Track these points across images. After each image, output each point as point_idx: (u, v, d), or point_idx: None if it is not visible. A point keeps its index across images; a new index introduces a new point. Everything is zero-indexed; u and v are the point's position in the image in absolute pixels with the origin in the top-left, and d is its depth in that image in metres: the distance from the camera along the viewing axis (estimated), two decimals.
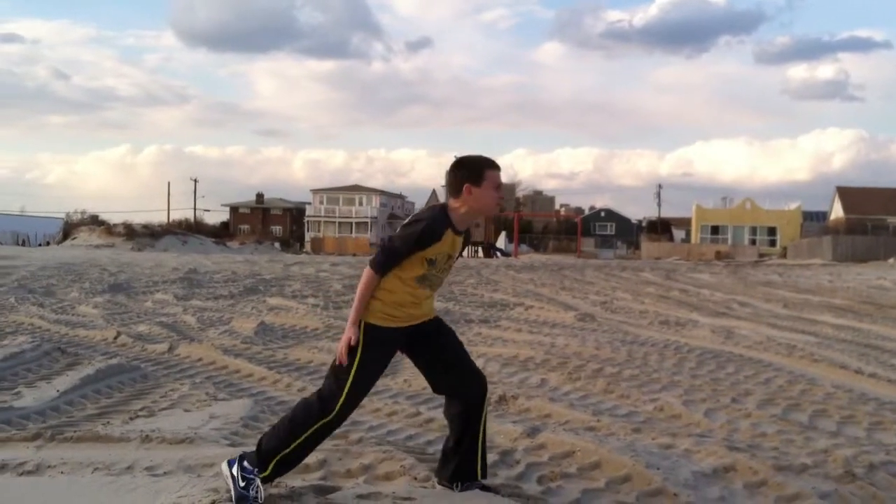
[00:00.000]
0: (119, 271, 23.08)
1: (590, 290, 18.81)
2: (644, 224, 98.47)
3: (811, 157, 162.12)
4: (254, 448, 3.82)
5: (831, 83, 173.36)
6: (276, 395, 6.57)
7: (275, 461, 3.72)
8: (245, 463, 3.75)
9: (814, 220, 74.82)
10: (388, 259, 3.77)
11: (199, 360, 8.11)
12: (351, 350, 3.71)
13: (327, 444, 4.78)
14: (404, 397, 6.53)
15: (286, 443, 3.72)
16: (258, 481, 3.70)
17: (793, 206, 74.63)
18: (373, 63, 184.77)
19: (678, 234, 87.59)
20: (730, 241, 70.06)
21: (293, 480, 4.05)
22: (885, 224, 61.83)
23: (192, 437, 4.93)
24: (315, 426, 3.70)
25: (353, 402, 3.75)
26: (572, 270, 29.26)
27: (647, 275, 26.76)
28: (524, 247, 69.68)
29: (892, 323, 12.57)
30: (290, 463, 3.77)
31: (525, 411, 6.00)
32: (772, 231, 72.03)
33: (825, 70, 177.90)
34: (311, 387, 6.75)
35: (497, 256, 54.98)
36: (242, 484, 3.70)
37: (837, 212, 68.84)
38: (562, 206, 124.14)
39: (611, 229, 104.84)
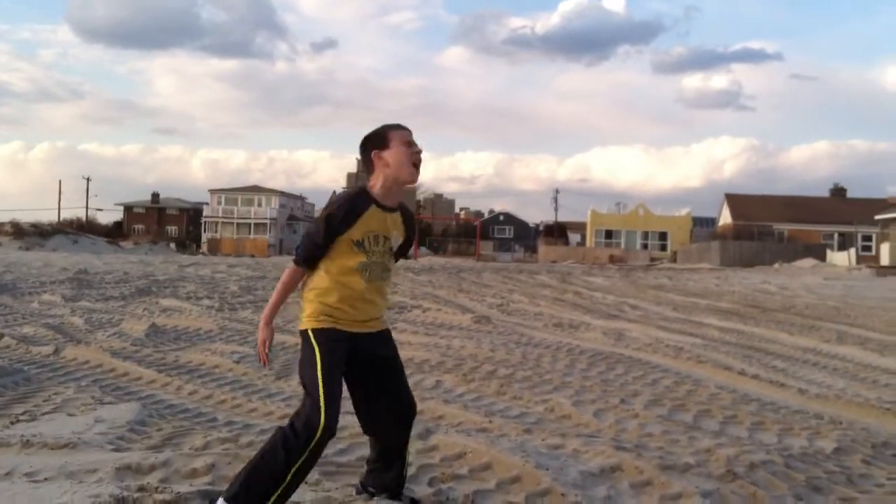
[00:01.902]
0: (5, 271, 22.23)
1: (487, 293, 18.99)
2: (541, 228, 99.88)
3: (703, 164, 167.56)
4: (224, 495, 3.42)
5: (724, 93, 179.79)
6: (165, 399, 6.43)
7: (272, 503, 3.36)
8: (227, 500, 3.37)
9: (703, 226, 77.31)
10: (305, 247, 3.57)
11: (86, 362, 7.87)
12: (309, 360, 3.48)
13: (217, 448, 4.72)
14: (298, 400, 6.43)
15: (281, 476, 3.34)
16: None
17: (683, 212, 76.84)
18: (276, 63, 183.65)
19: (574, 237, 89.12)
20: (623, 246, 71.71)
21: (180, 486, 3.98)
22: (771, 230, 64.22)
23: (76, 441, 4.79)
24: (309, 447, 3.34)
25: (335, 408, 3.39)
26: (470, 273, 29.47)
27: (543, 278, 27.15)
28: (423, 249, 69.91)
29: (775, 326, 13.05)
30: (285, 498, 3.40)
31: (419, 413, 5.99)
32: (663, 236, 74.02)
33: (719, 80, 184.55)
34: (203, 389, 6.66)
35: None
36: None
37: (726, 218, 71.10)
38: (462, 209, 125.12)
39: (509, 233, 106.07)
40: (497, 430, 5.45)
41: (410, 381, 7.29)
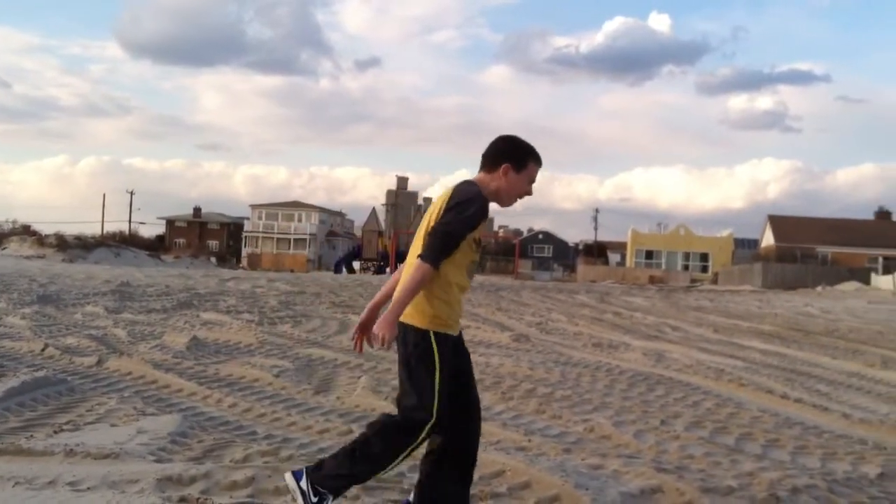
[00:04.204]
0: (49, 282, 22.57)
1: (525, 312, 18.94)
2: (581, 247, 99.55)
3: (746, 185, 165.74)
4: (314, 467, 3.64)
5: (770, 114, 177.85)
6: (206, 411, 6.48)
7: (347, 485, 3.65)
8: (312, 481, 3.56)
9: (745, 248, 76.54)
10: (446, 246, 3.48)
11: (129, 374, 7.96)
12: (428, 362, 3.49)
13: (257, 461, 4.75)
14: (336, 415, 6.49)
15: (380, 465, 3.57)
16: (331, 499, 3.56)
17: (725, 233, 76.17)
18: (320, 80, 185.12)
19: (613, 257, 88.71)
20: (663, 266, 71.19)
21: (221, 497, 4.01)
22: (815, 253, 63.38)
23: (118, 452, 4.84)
24: (410, 446, 3.53)
25: (444, 408, 3.51)
26: (509, 291, 29.41)
27: (582, 297, 27.03)
28: None
29: (818, 349, 12.88)
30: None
31: None
32: (704, 257, 73.42)
33: (764, 101, 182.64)
34: (243, 402, 6.69)
35: None
36: (315, 499, 3.53)
37: (768, 240, 70.38)
38: (501, 227, 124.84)
39: (548, 252, 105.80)
40: (536, 449, 5.43)
41: None
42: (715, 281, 63.12)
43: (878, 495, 4.77)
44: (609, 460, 5.12)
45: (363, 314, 3.88)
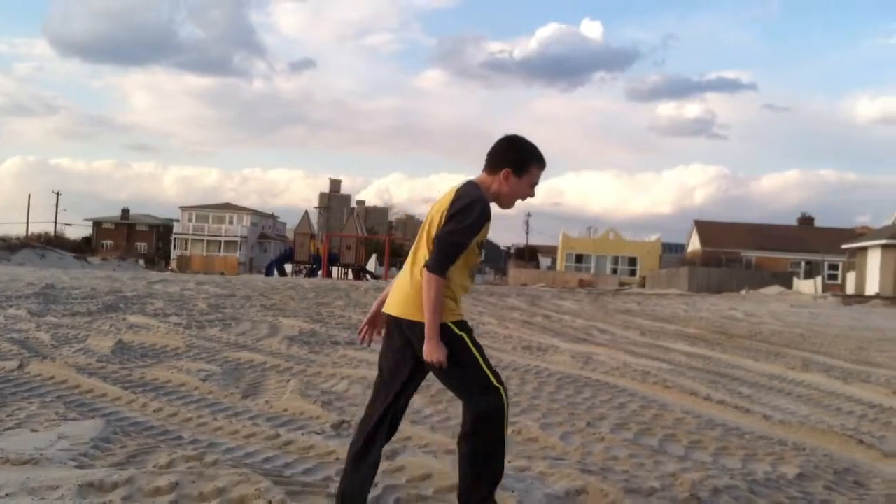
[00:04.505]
0: None
1: None
2: (512, 251, 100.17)
3: (675, 191, 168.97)
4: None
5: (698, 121, 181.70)
6: (130, 416, 6.36)
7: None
8: None
9: (673, 252, 77.90)
10: (451, 255, 3.58)
11: (51, 378, 7.78)
12: (462, 349, 3.62)
13: (181, 466, 4.69)
14: (264, 419, 6.44)
15: (499, 457, 3.80)
16: None
17: (653, 237, 77.48)
18: (254, 82, 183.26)
19: (544, 261, 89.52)
20: (593, 270, 72.15)
21: None
22: (739, 257, 64.81)
23: (38, 457, 4.73)
24: (504, 424, 3.74)
25: (500, 378, 3.72)
26: None
27: (512, 300, 27.20)
28: (394, 270, 69.72)
29: (742, 352, 13.17)
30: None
31: None
32: (633, 261, 74.59)
33: (693, 108, 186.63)
34: (169, 407, 6.60)
35: (367, 279, 54.88)
36: None
37: (695, 244, 71.74)
38: None
39: (480, 255, 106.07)
40: None
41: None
42: (643, 285, 64.14)
43: (797, 495, 4.90)
44: (535, 462, 5.16)
45: (373, 308, 4.02)
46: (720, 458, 5.84)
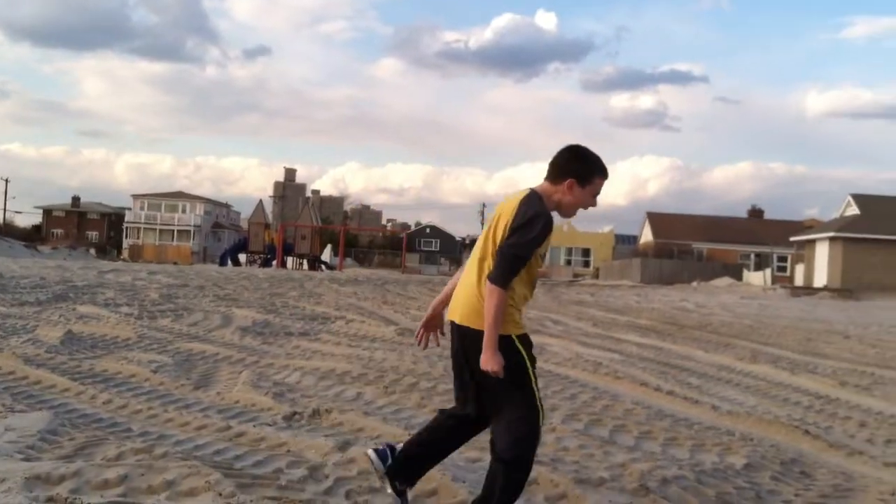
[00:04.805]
0: None
1: (411, 305, 19.02)
2: (468, 241, 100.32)
3: (628, 182, 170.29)
4: None
5: (651, 113, 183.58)
6: (79, 408, 6.28)
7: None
8: None
9: (626, 244, 78.52)
10: (514, 268, 3.60)
11: None
12: (518, 364, 3.66)
13: (130, 458, 4.65)
14: (215, 410, 6.39)
15: (525, 476, 3.83)
16: None
17: (606, 229, 78.11)
18: (207, 68, 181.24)
19: None
20: (547, 261, 72.34)
21: (91, 497, 3.91)
22: (690, 249, 65.58)
23: None
24: (537, 442, 3.82)
25: (541, 398, 3.79)
26: (395, 285, 29.47)
27: None
28: (349, 261, 69.57)
29: (692, 343, 13.35)
30: None
31: (338, 425, 6.01)
32: (586, 252, 75.12)
33: (646, 100, 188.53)
34: (118, 399, 6.52)
35: (322, 269, 54.61)
36: None
37: (647, 236, 72.41)
38: (389, 221, 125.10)
39: (436, 245, 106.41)
40: None
41: (329, 393, 7.35)
42: (596, 276, 64.60)
43: (744, 485, 4.99)
44: (487, 453, 5.14)
45: (428, 311, 4.19)
46: (669, 449, 5.92)
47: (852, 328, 18.75)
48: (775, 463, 5.58)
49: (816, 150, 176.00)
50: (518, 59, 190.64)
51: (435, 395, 7.34)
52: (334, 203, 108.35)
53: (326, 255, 66.86)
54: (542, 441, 5.71)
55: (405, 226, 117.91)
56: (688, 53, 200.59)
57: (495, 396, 3.73)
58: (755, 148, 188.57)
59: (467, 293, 3.78)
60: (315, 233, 58.30)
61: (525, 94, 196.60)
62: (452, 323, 3.84)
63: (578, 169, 3.78)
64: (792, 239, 54.65)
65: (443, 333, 4.19)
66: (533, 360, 3.77)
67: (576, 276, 65.04)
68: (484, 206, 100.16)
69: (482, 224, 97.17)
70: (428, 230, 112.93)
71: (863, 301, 36.64)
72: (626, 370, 9.66)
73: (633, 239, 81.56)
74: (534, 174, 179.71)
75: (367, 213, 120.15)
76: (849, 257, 45.57)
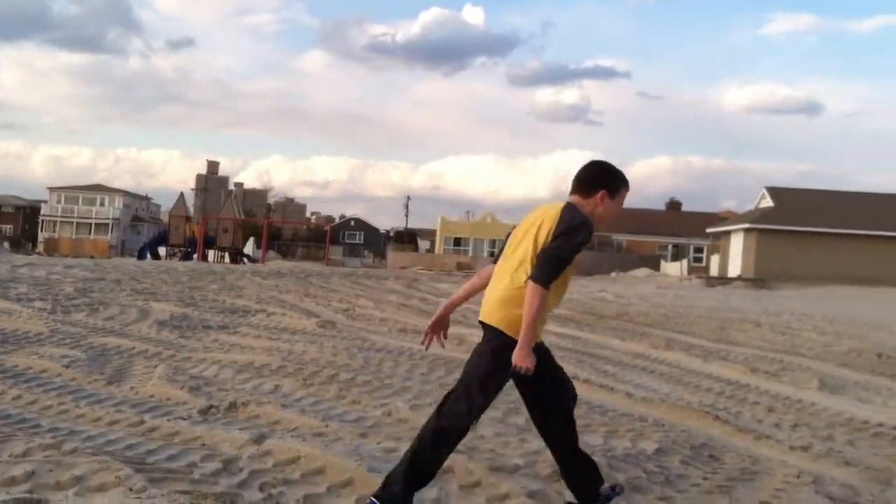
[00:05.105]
0: None
1: (333, 298, 18.93)
2: (391, 234, 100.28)
3: (552, 175, 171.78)
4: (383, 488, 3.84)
5: (574, 107, 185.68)
6: None
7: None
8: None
9: None
10: (557, 270, 3.72)
11: None
12: (504, 371, 3.79)
13: (38, 455, 4.56)
14: (129, 405, 6.28)
15: (435, 462, 3.89)
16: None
17: None
18: (130, 59, 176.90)
19: (423, 244, 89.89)
20: (471, 253, 72.80)
21: None
22: (610, 241, 66.57)
23: None
24: (460, 436, 3.91)
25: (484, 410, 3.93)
26: (318, 278, 29.27)
27: (390, 284, 27.28)
28: (272, 253, 68.84)
29: (609, 332, 13.58)
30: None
31: (255, 418, 5.97)
32: None
33: (570, 95, 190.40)
34: (28, 394, 6.37)
35: (244, 262, 53.93)
36: None
37: None
38: (313, 213, 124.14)
39: (359, 238, 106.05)
40: (333, 435, 5.47)
41: (247, 386, 7.28)
42: None
43: (654, 470, 5.11)
44: (404, 443, 5.20)
45: (438, 311, 4.33)
46: (583, 435, 5.95)
47: (764, 317, 19.31)
48: (686, 448, 5.72)
49: (735, 144, 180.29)
50: (445, 53, 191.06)
51: (354, 387, 7.35)
52: (258, 196, 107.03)
53: (249, 248, 66.08)
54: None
55: (329, 219, 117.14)
56: (612, 49, 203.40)
57: (467, 374, 3.89)
58: (675, 142, 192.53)
59: (502, 301, 3.87)
60: (237, 226, 57.54)
61: (452, 88, 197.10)
62: (483, 324, 3.95)
63: (608, 181, 4.00)
64: (708, 230, 55.90)
65: (446, 336, 4.40)
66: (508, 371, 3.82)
67: None
68: (409, 198, 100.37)
69: (406, 216, 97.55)
70: (352, 223, 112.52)
71: (775, 290, 37.74)
72: None
73: None
74: (459, 168, 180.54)
75: (291, 206, 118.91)
76: (762, 248, 46.78)
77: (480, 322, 3.95)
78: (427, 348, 4.42)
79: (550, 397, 4.11)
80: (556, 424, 4.17)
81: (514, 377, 3.84)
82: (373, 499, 3.81)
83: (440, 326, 4.33)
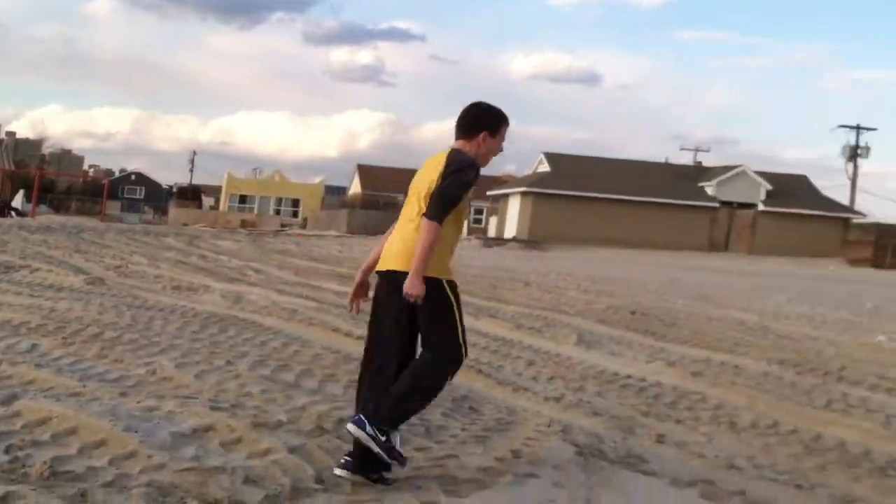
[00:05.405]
0: None
1: (106, 254, 18.12)
2: (175, 190, 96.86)
3: (342, 135, 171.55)
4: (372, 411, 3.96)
5: (368, 68, 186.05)
6: None
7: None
8: (375, 424, 3.89)
9: (336, 195, 79.31)
10: (449, 207, 3.94)
11: None
12: (446, 307, 3.99)
13: None
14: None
15: (420, 403, 4.12)
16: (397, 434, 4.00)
17: (317, 180, 78.53)
18: None
19: (208, 201, 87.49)
20: (256, 211, 71.72)
21: None
22: (396, 201, 67.30)
23: None
24: (447, 377, 4.10)
25: (465, 349, 4.11)
26: (92, 234, 27.86)
27: (170, 240, 26.40)
28: (44, 207, 64.85)
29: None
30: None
31: (6, 378, 5.65)
32: (296, 203, 75.18)
33: (365, 55, 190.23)
34: None
35: (12, 216, 50.52)
36: (384, 438, 3.89)
37: (357, 188, 73.53)
38: (91, 166, 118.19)
39: (140, 193, 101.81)
40: (90, 395, 5.28)
41: (1, 345, 6.88)
42: (304, 226, 64.71)
43: (415, 422, 5.10)
44: (165, 402, 5.14)
45: (357, 277, 4.40)
46: (350, 391, 6.11)
47: (533, 276, 20.24)
48: (447, 400, 5.92)
49: (519, 110, 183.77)
50: (241, 5, 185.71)
51: (118, 346, 7.12)
52: (31, 146, 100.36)
53: (18, 200, 61.94)
54: (225, 389, 5.80)
55: (109, 172, 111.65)
56: (408, 11, 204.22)
57: (426, 336, 4.03)
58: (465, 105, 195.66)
59: (395, 242, 4.11)
60: (6, 177, 53.88)
61: (247, 42, 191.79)
62: (387, 273, 4.07)
63: (488, 121, 4.20)
64: (488, 193, 57.60)
65: (367, 299, 4.43)
66: (459, 302, 4.07)
67: (283, 226, 64.78)
68: (195, 153, 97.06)
69: (191, 172, 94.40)
70: (133, 177, 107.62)
71: (547, 252, 39.58)
72: (320, 317, 9.84)
73: (343, 190, 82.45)
74: (250, 124, 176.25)
75: (67, 158, 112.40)
76: (537, 211, 48.85)
77: (382, 272, 4.12)
78: (357, 312, 4.59)
79: (404, 348, 4.15)
80: (381, 374, 4.20)
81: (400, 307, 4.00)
82: (361, 416, 3.96)
83: (362, 292, 4.44)
